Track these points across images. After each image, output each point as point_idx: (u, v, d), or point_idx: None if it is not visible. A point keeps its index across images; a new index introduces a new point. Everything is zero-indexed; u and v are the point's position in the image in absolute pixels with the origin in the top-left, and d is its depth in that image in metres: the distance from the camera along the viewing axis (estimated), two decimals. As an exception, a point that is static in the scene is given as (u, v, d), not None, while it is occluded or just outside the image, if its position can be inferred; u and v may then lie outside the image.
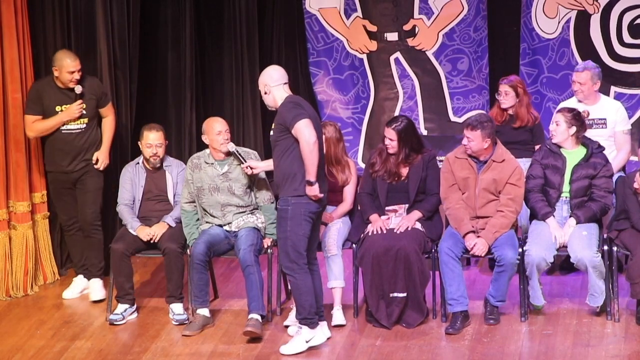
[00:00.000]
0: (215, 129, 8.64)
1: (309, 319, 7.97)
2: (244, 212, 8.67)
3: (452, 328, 8.27)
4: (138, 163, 8.98)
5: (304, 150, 7.72)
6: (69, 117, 9.05)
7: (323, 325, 8.13)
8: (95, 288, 9.19)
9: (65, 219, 9.37)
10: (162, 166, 8.95)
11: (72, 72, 9.01)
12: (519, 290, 8.45)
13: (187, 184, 8.73)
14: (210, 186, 8.64)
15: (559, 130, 8.51)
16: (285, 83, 8.10)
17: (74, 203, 9.26)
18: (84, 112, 9.10)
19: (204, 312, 8.50)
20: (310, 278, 7.95)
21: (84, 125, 9.12)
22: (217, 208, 8.66)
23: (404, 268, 8.31)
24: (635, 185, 8.25)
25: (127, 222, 8.82)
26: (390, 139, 8.54)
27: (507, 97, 9.42)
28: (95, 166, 9.17)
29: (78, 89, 9.06)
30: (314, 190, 7.77)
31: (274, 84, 8.02)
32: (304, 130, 7.72)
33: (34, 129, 9.08)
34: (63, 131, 9.09)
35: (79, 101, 9.06)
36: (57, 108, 9.04)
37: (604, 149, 8.63)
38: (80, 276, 9.34)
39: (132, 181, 8.91)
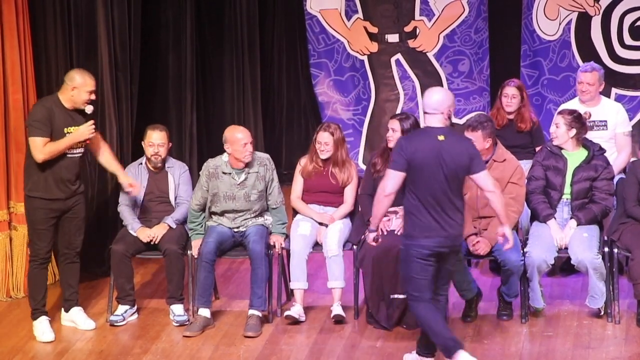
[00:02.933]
0: (242, 141, 8.55)
1: (447, 347, 7.37)
2: (254, 215, 8.68)
3: (470, 317, 8.50)
4: (141, 164, 8.97)
5: (376, 196, 7.40)
6: (79, 139, 8.47)
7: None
8: (83, 317, 8.72)
9: (44, 251, 8.57)
10: (164, 167, 8.94)
11: (91, 92, 8.50)
12: (520, 291, 8.44)
13: (202, 190, 8.70)
14: (227, 195, 8.63)
15: (559, 132, 8.50)
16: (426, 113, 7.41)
17: (55, 233, 8.62)
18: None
19: (205, 312, 8.49)
20: (431, 308, 7.39)
21: (83, 150, 8.61)
22: (231, 213, 8.66)
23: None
24: None
25: (127, 223, 8.80)
26: (394, 130, 8.51)
27: (514, 100, 9.41)
28: (130, 189, 8.72)
29: (89, 109, 8.48)
30: (369, 238, 7.56)
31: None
32: (385, 179, 7.34)
33: (45, 151, 8.35)
34: (68, 155, 8.49)
35: (91, 121, 8.50)
36: (65, 130, 8.46)
37: (605, 151, 8.62)
38: (62, 314, 8.79)
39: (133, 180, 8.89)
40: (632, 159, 8.85)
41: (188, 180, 8.97)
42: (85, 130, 8.42)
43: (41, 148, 8.33)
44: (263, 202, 8.70)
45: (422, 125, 11.49)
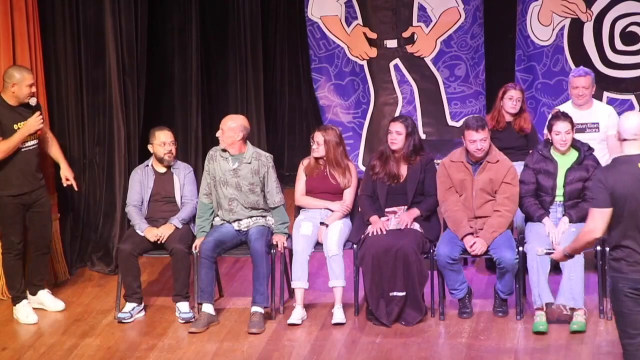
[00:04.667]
0: (223, 126, 8.68)
1: None
2: (254, 215, 8.69)
3: (466, 313, 8.45)
4: (147, 166, 8.98)
5: (583, 236, 6.58)
6: (30, 131, 8.57)
7: None
8: (50, 298, 8.92)
9: (17, 243, 8.66)
10: (169, 169, 8.95)
11: (31, 85, 8.60)
12: (515, 289, 8.45)
13: (205, 175, 8.77)
14: (221, 179, 8.67)
15: (569, 137, 8.49)
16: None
17: (23, 225, 8.72)
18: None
19: (209, 309, 8.50)
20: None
21: (36, 142, 8.68)
22: (226, 202, 8.68)
23: (403, 268, 8.31)
24: None
25: (135, 223, 8.82)
26: (398, 133, 8.52)
27: (518, 102, 9.43)
28: (67, 184, 8.85)
29: (33, 101, 8.59)
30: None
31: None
32: (591, 220, 6.49)
33: None
34: (22, 149, 8.58)
35: (38, 113, 8.61)
36: (15, 126, 8.54)
37: (593, 150, 8.64)
38: (29, 297, 8.89)
39: (141, 183, 8.91)
40: (611, 157, 8.86)
41: (193, 181, 8.99)
42: (34, 122, 8.61)
43: None
44: (257, 197, 8.69)
45: (420, 130, 11.57)
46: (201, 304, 8.53)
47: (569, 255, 6.78)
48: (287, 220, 8.77)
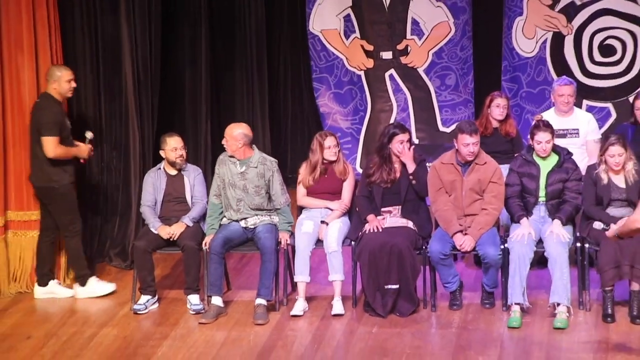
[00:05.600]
0: (228, 134, 8.68)
1: None
2: (258, 214, 8.67)
3: (456, 305, 8.42)
4: (159, 169, 8.95)
5: (629, 223, 6.58)
6: (81, 156, 8.95)
7: None
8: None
9: (80, 226, 9.08)
10: (180, 171, 8.92)
11: (70, 81, 8.84)
12: (501, 283, 8.42)
13: (215, 178, 8.76)
14: (230, 182, 8.66)
15: (549, 146, 8.48)
16: None
17: None
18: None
19: (218, 301, 8.48)
20: None
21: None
22: (234, 202, 8.65)
23: (397, 262, 8.28)
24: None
25: (149, 222, 8.80)
26: (404, 141, 8.53)
27: (505, 109, 9.41)
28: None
29: (89, 135, 9.02)
30: None
31: None
32: (638, 208, 6.57)
33: (57, 152, 8.71)
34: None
35: (91, 147, 9.01)
36: (67, 121, 8.87)
37: (572, 154, 8.62)
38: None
39: (153, 185, 8.89)
40: (589, 164, 8.84)
41: (202, 182, 8.96)
42: (85, 150, 8.97)
43: (55, 147, 8.69)
44: (263, 199, 8.66)
45: (413, 135, 11.54)
46: (210, 296, 8.51)
47: (618, 237, 6.71)
48: (292, 220, 8.75)
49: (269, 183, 8.67)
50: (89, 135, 9.03)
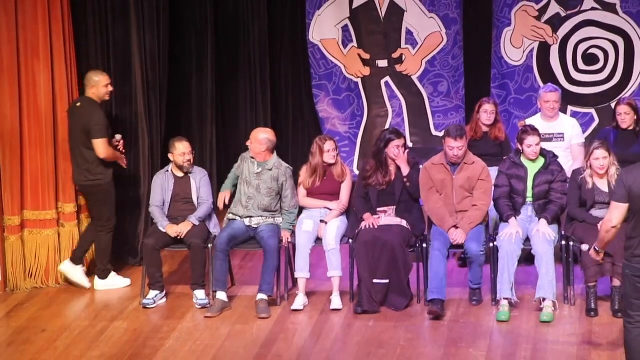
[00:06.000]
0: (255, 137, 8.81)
1: None
2: (262, 215, 8.70)
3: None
4: (167, 170, 8.98)
5: (603, 225, 6.66)
6: (119, 161, 9.17)
7: None
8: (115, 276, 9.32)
9: (114, 222, 9.29)
10: (187, 173, 8.95)
11: (107, 85, 9.02)
12: (490, 279, 8.45)
13: (234, 171, 8.92)
14: (245, 178, 8.74)
15: (538, 148, 8.52)
16: None
17: None
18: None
19: (223, 296, 8.51)
20: (633, 334, 6.49)
21: None
22: (244, 198, 8.71)
23: (389, 258, 8.32)
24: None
25: (157, 221, 8.83)
26: (400, 147, 8.58)
27: (492, 115, 9.43)
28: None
29: (118, 137, 9.23)
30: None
31: None
32: (609, 211, 6.56)
33: (108, 152, 8.97)
34: None
35: (124, 157, 9.24)
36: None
37: (557, 156, 8.66)
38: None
39: (162, 186, 8.92)
40: (573, 166, 8.88)
41: (207, 183, 9.00)
42: (121, 159, 9.21)
43: (106, 148, 8.89)
44: (272, 200, 8.71)
45: (408, 139, 11.54)
46: (215, 291, 8.54)
47: (599, 251, 6.73)
48: (295, 220, 8.78)
49: (281, 186, 8.71)
50: (117, 137, 9.16)
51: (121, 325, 8.32)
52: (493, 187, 8.56)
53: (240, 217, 8.74)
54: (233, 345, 7.86)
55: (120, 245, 9.80)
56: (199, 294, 8.68)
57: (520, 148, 8.56)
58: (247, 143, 8.80)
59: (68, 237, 9.30)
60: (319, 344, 7.85)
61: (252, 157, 8.78)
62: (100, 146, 8.89)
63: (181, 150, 8.85)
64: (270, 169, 8.71)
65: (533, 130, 8.56)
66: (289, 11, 11.79)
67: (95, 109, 8.93)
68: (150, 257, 8.70)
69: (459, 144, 8.38)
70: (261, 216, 8.72)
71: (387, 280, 8.34)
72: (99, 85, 8.98)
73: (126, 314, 8.56)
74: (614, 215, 6.48)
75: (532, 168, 8.55)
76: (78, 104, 9.03)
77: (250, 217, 8.72)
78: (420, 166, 8.79)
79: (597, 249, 6.75)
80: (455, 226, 8.41)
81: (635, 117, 9.16)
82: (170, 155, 8.92)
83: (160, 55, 9.91)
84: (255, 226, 8.70)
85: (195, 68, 10.92)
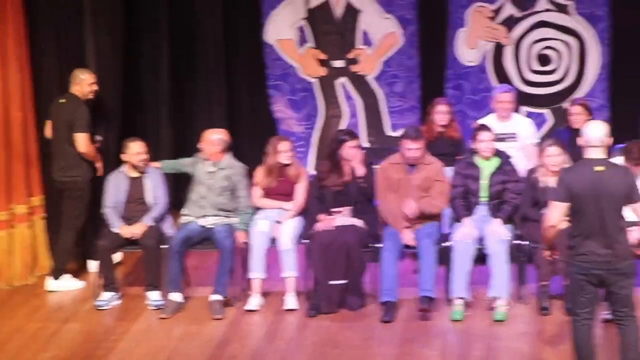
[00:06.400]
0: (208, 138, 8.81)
1: None
2: (218, 214, 8.66)
3: (387, 316, 8.19)
4: (121, 172, 8.91)
5: (543, 224, 6.76)
6: (97, 162, 9.18)
7: None
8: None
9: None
10: (141, 174, 8.88)
11: (92, 84, 9.11)
12: (444, 279, 8.45)
13: (180, 161, 8.97)
14: (199, 179, 8.71)
15: (492, 145, 8.54)
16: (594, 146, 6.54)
17: None
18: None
19: (177, 297, 8.46)
20: (580, 332, 6.61)
21: None
22: (198, 198, 8.68)
23: (345, 258, 8.30)
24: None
25: (111, 222, 8.75)
26: (358, 147, 8.55)
27: (446, 115, 9.45)
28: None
29: (98, 138, 9.26)
30: None
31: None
32: (549, 210, 6.71)
33: (89, 148, 9.02)
34: None
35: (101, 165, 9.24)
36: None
37: (512, 157, 8.69)
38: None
39: (115, 187, 8.84)
40: (527, 168, 8.91)
41: (162, 184, 8.94)
42: (99, 165, 9.24)
43: (88, 143, 8.95)
44: (227, 199, 8.68)
45: (364, 139, 11.55)
46: (170, 292, 8.48)
47: (546, 248, 6.88)
48: (249, 221, 8.74)
49: (235, 186, 8.67)
50: (98, 138, 9.19)
51: (74, 327, 8.25)
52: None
53: (195, 217, 8.70)
54: (187, 347, 7.82)
55: (75, 247, 9.72)
56: (153, 295, 8.62)
57: (475, 147, 8.58)
58: (200, 146, 8.75)
59: (20, 238, 9.20)
60: (273, 345, 7.83)
61: (205, 158, 8.74)
62: (82, 140, 8.91)
63: (135, 150, 8.79)
64: (224, 169, 8.69)
65: (486, 128, 8.60)
66: (245, 11, 11.76)
67: (80, 105, 8.99)
68: (105, 259, 8.63)
69: (417, 145, 8.39)
70: (216, 216, 8.69)
71: (344, 281, 8.32)
72: (83, 83, 9.03)
73: (79, 315, 8.50)
74: (552, 214, 6.58)
75: (487, 168, 8.58)
76: (63, 100, 9.08)
77: (205, 216, 8.68)
78: (376, 167, 8.78)
79: (547, 247, 6.85)
80: (410, 227, 8.41)
81: (588, 118, 9.21)
82: (124, 156, 8.86)
83: (115, 56, 9.84)
84: (211, 226, 8.67)
85: (150, 68, 10.86)
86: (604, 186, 6.44)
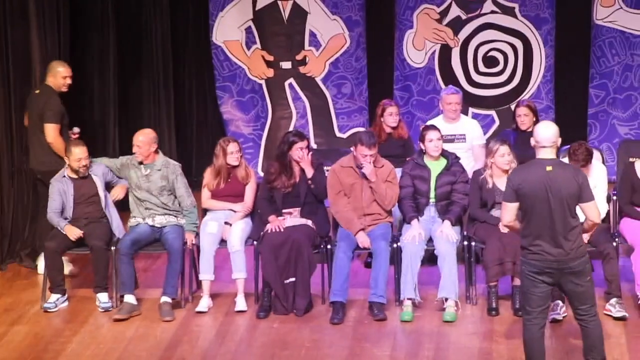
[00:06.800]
0: (135, 141, 8.63)
1: None
2: (166, 213, 8.61)
3: (336, 318, 8.15)
4: (64, 176, 8.77)
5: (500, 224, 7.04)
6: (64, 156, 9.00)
7: None
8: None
9: None
10: (88, 174, 8.77)
11: (65, 77, 9.11)
12: (394, 280, 8.47)
13: (117, 164, 8.78)
14: (135, 184, 8.62)
15: (440, 143, 8.58)
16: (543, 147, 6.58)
17: None
18: None
19: (131, 299, 8.40)
20: (531, 332, 6.62)
21: None
22: (140, 202, 8.62)
23: (295, 257, 8.29)
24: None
25: (56, 224, 8.63)
26: (305, 148, 8.56)
27: (396, 117, 9.47)
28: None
29: (76, 130, 9.18)
30: None
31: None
32: (501, 211, 6.79)
33: (57, 139, 9.01)
34: None
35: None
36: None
37: (460, 158, 8.73)
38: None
39: (60, 192, 8.69)
40: (474, 167, 8.97)
41: (112, 175, 8.85)
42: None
43: (57, 134, 8.96)
44: (167, 199, 8.61)
45: (312, 140, 11.56)
46: (123, 295, 8.41)
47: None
48: (197, 221, 8.71)
49: (173, 185, 8.62)
50: (75, 130, 9.14)
51: (22, 329, 8.15)
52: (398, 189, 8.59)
53: (142, 219, 8.63)
54: (137, 349, 7.76)
55: (20, 249, 9.62)
56: (102, 297, 8.54)
57: (423, 147, 8.60)
58: (135, 150, 8.61)
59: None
60: (223, 346, 7.79)
61: (135, 162, 8.63)
62: (50, 131, 8.91)
63: (78, 156, 8.65)
64: (160, 169, 8.62)
65: (434, 128, 8.64)
66: (192, 12, 11.74)
67: (52, 96, 9.01)
68: (52, 261, 8.53)
69: (373, 152, 8.38)
70: (164, 215, 8.62)
71: (294, 279, 8.30)
72: (57, 75, 9.06)
73: (27, 318, 8.39)
74: (504, 215, 6.69)
75: (435, 169, 8.60)
76: (37, 91, 9.14)
77: (153, 216, 8.61)
78: (325, 168, 8.78)
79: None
80: (363, 229, 8.42)
81: (534, 119, 9.29)
82: (66, 159, 8.73)
83: (61, 56, 9.74)
84: (159, 226, 8.60)
85: (97, 68, 10.78)
86: (553, 185, 6.48)
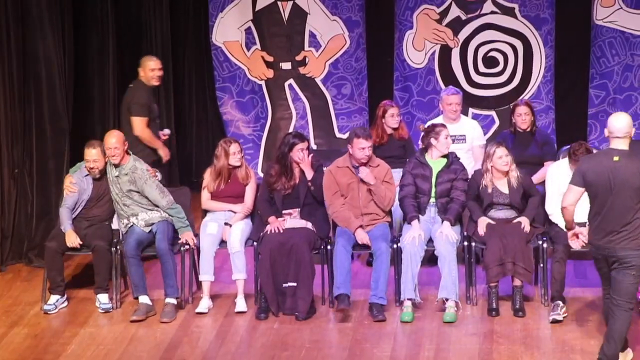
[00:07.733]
0: (106, 144, 8.56)
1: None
2: (145, 209, 8.56)
3: (343, 304, 8.15)
4: (86, 175, 8.69)
5: (561, 205, 7.00)
6: (160, 152, 9.40)
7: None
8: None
9: None
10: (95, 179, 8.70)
11: (153, 70, 9.45)
12: (394, 280, 8.46)
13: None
14: (111, 182, 8.58)
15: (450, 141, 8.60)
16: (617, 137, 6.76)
17: None
18: None
19: (146, 299, 8.39)
20: (605, 305, 7.01)
21: None
22: (119, 200, 8.58)
23: (295, 261, 8.27)
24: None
25: (62, 223, 8.58)
26: (306, 150, 8.54)
27: (397, 117, 9.46)
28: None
29: (167, 131, 9.74)
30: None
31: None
32: (565, 193, 6.95)
33: (145, 132, 9.28)
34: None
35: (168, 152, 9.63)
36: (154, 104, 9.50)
37: (460, 157, 8.72)
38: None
39: (80, 188, 8.64)
40: (475, 167, 8.96)
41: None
42: (166, 153, 9.56)
43: (143, 127, 9.20)
44: (140, 197, 8.55)
45: (312, 141, 11.54)
46: (137, 297, 8.39)
47: (570, 229, 7.08)
48: (183, 214, 8.62)
49: (142, 189, 8.55)
50: (166, 131, 9.36)
51: (22, 331, 8.13)
52: (398, 188, 8.58)
53: (127, 218, 8.58)
54: (137, 350, 7.75)
55: (28, 250, 9.61)
56: (103, 298, 8.52)
57: (434, 142, 8.54)
58: (108, 155, 8.53)
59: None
60: (223, 347, 7.78)
61: (113, 165, 8.57)
62: (137, 124, 9.19)
63: (87, 157, 8.55)
64: (127, 174, 8.57)
65: (442, 125, 8.64)
66: (192, 13, 11.72)
67: (140, 89, 9.35)
68: (52, 261, 8.51)
69: (369, 143, 8.40)
70: (144, 211, 8.55)
71: (295, 284, 8.28)
72: (147, 69, 9.37)
73: (27, 319, 8.38)
74: (566, 196, 6.87)
75: (435, 167, 8.59)
76: (130, 85, 9.49)
77: (135, 214, 8.55)
78: (324, 169, 8.76)
79: (567, 229, 7.09)
80: (362, 227, 8.40)
81: (532, 119, 9.30)
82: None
83: (65, 58, 9.76)
84: (147, 225, 8.54)
85: (97, 69, 10.75)
86: (617, 176, 6.64)
